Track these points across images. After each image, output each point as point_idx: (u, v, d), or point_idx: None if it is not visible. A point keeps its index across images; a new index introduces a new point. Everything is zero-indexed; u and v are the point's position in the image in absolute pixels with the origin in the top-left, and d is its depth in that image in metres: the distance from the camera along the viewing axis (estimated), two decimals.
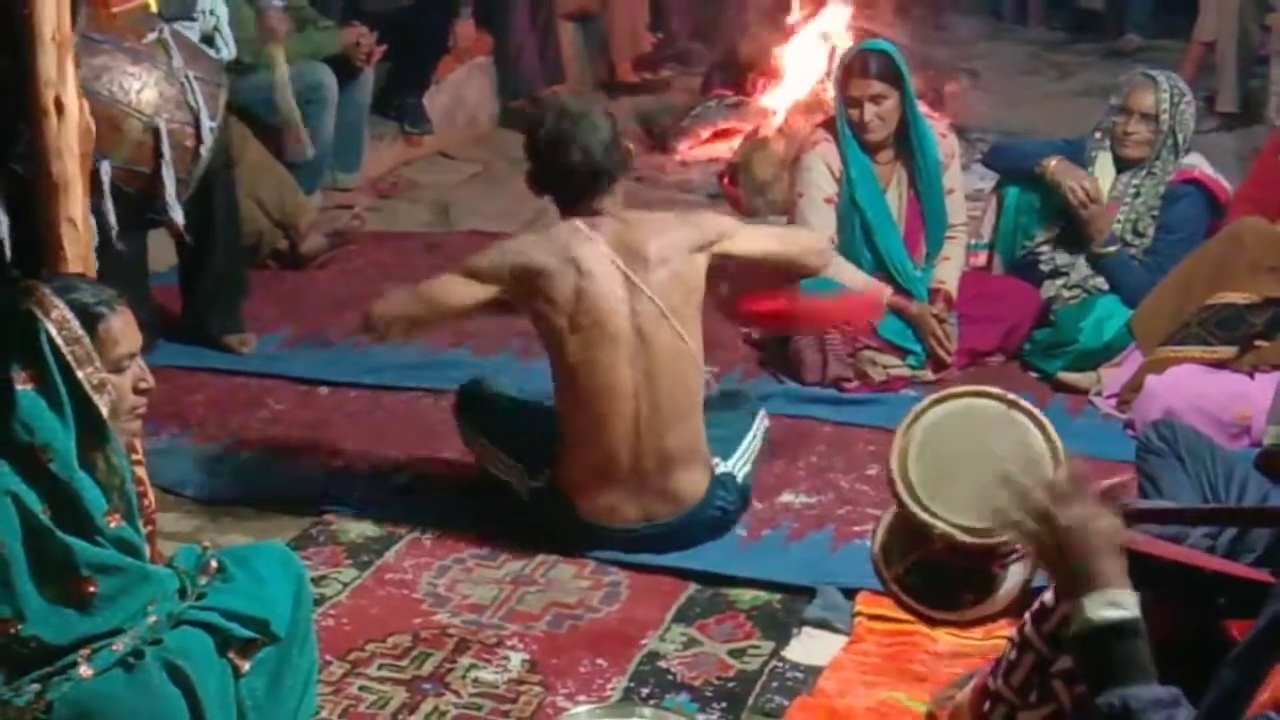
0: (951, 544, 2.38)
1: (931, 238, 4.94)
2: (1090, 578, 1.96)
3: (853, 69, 4.77)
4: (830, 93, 6.46)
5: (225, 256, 4.98)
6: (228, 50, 4.50)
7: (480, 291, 3.71)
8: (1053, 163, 4.97)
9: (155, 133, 3.65)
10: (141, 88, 3.63)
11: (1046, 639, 2.31)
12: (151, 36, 3.69)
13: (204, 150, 3.75)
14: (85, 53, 3.42)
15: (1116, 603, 1.94)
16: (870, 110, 4.75)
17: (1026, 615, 2.41)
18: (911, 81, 4.85)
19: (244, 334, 5.00)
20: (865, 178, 4.83)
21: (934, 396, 2.44)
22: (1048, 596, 2.32)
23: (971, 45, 8.38)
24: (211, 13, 4.51)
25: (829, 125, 4.91)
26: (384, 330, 3.83)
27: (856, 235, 4.84)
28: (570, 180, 3.73)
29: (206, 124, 3.73)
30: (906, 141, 4.86)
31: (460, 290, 3.73)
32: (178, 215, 3.71)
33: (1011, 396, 2.39)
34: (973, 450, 2.27)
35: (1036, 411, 2.34)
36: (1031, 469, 2.10)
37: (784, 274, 4.01)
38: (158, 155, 3.68)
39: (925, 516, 2.34)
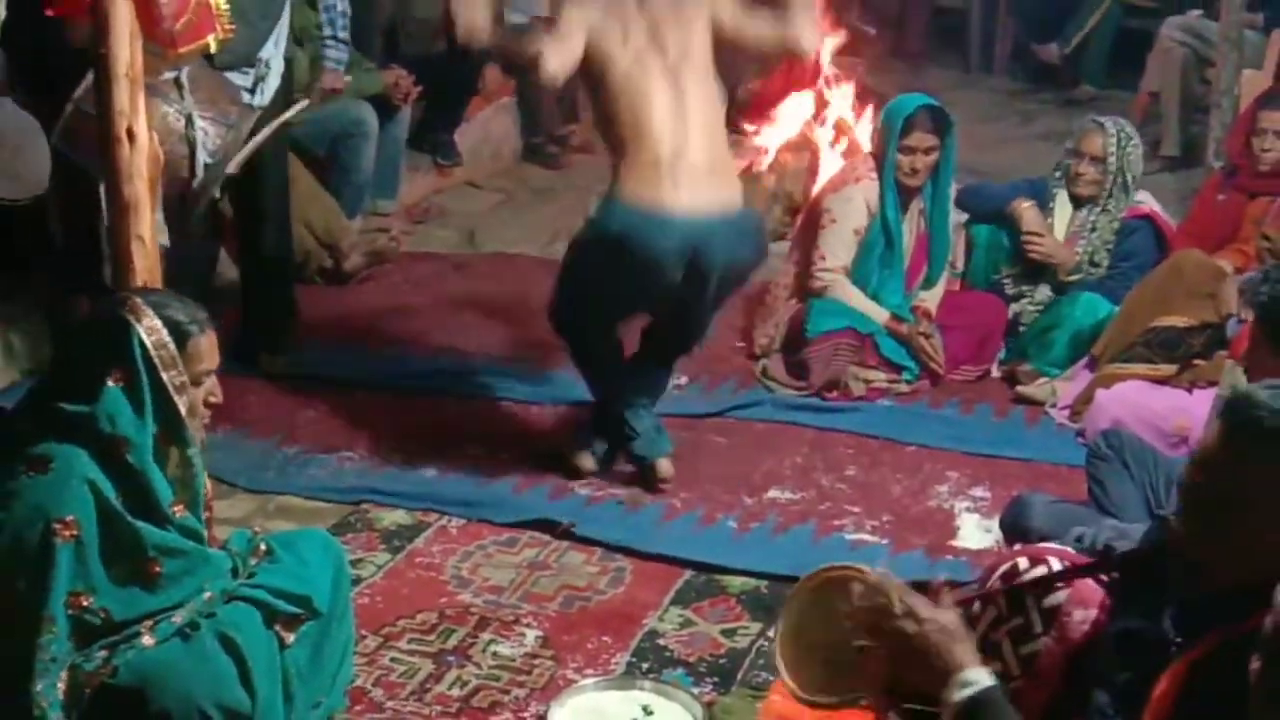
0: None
1: (934, 269, 4.95)
2: (945, 671, 1.98)
3: (916, 123, 4.71)
4: (815, 134, 6.53)
5: (275, 288, 4.90)
6: (261, 99, 4.43)
7: (580, 29, 3.78)
8: (1024, 204, 4.96)
9: None
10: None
11: None
12: (170, 75, 3.66)
13: (195, 184, 3.70)
14: None
15: (967, 681, 1.96)
16: (922, 160, 4.74)
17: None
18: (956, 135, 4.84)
19: (280, 356, 4.84)
20: (897, 217, 4.83)
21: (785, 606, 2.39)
22: None
23: (942, 93, 8.37)
24: (267, 64, 4.49)
25: (877, 162, 4.84)
26: (557, 75, 3.78)
27: (873, 263, 4.84)
28: None
29: (202, 159, 3.66)
30: (927, 183, 4.84)
31: (575, 31, 3.78)
32: (162, 237, 3.64)
33: (823, 569, 2.31)
34: (815, 635, 2.25)
35: (846, 567, 2.27)
36: (851, 629, 2.10)
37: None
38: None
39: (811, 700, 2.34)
